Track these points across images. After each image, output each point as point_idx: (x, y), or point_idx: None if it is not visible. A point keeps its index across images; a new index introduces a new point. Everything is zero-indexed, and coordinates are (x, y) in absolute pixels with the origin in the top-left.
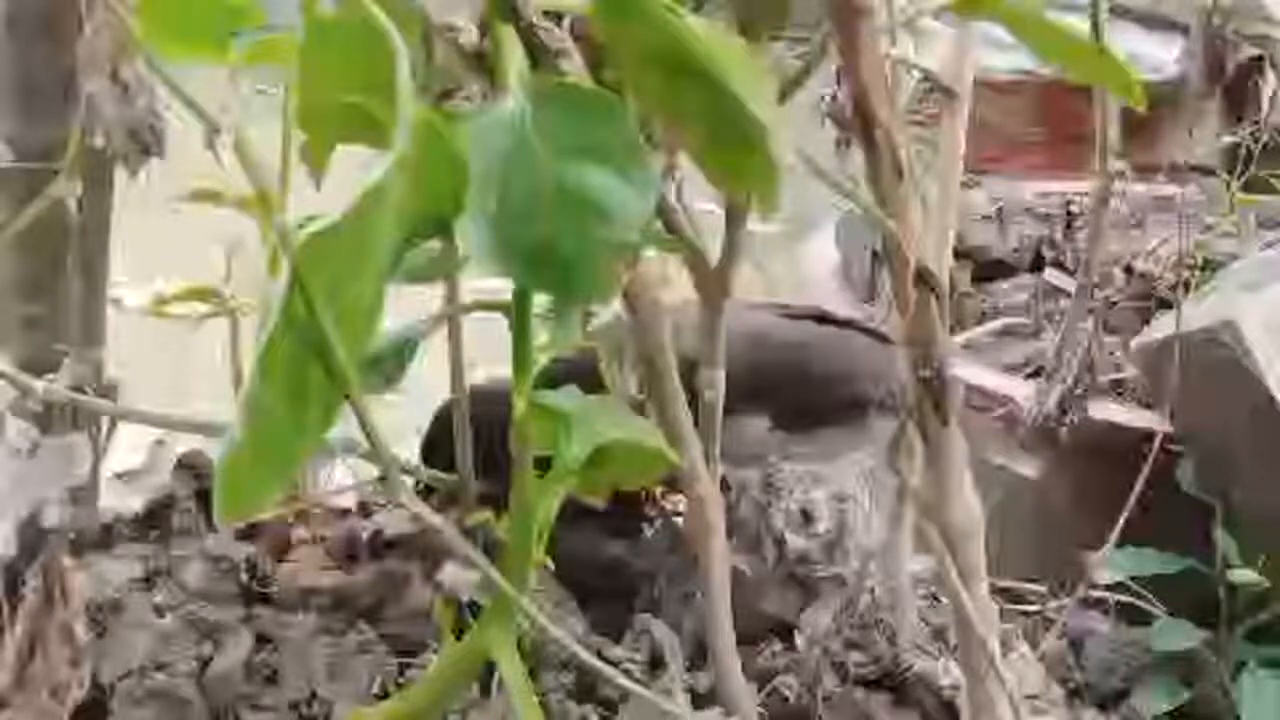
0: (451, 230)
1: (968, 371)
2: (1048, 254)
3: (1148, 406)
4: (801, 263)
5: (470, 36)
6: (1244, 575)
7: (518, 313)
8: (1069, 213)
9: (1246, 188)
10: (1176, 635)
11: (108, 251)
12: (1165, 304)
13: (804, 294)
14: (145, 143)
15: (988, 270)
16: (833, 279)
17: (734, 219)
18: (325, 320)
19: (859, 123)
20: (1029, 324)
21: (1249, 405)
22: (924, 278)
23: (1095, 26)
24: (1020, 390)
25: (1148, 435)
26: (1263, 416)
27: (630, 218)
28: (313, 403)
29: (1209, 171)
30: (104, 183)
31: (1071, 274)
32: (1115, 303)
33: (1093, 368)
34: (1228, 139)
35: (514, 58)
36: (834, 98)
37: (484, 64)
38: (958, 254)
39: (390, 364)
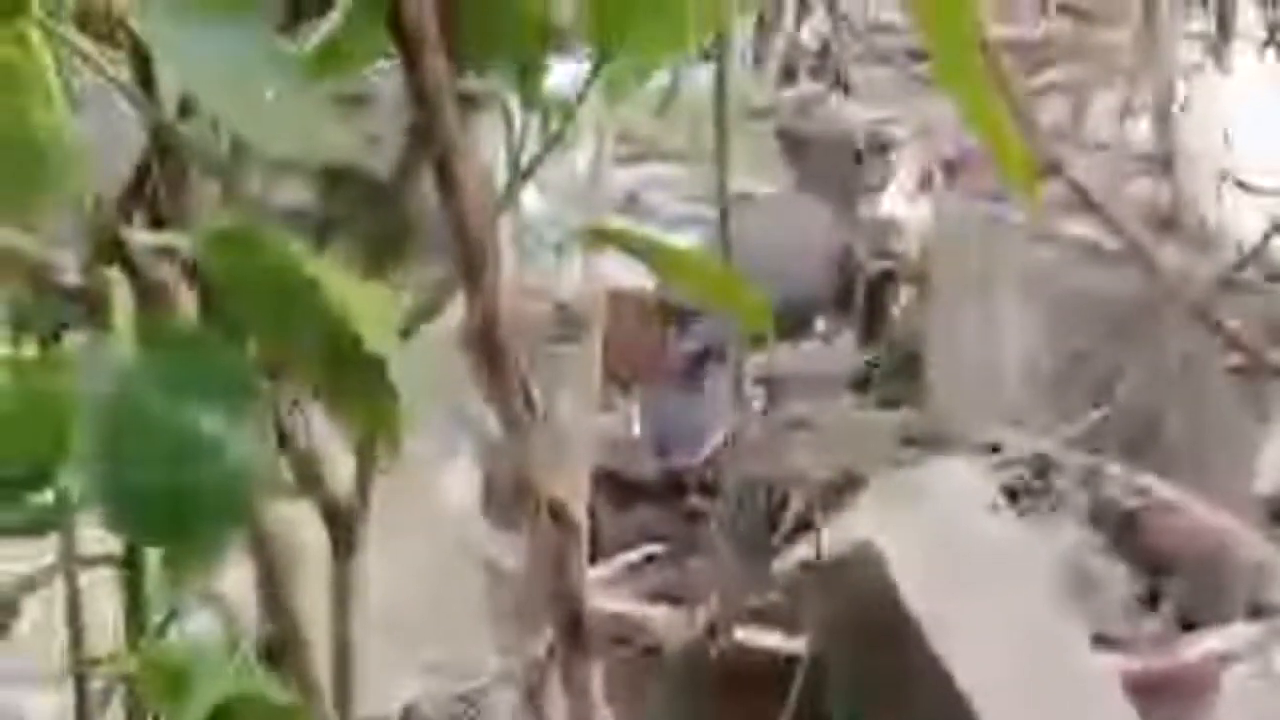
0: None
1: (609, 602)
2: (690, 477)
3: (792, 630)
4: (444, 487)
5: (74, 276)
6: None
7: (130, 567)
8: None
9: (882, 405)
10: None
11: None
12: (807, 525)
13: (447, 520)
14: None
15: (631, 495)
16: (476, 504)
17: (363, 458)
18: None
19: (485, 353)
20: (672, 549)
21: (887, 626)
22: (557, 510)
23: (725, 250)
24: (664, 618)
25: (792, 660)
26: (900, 638)
27: (244, 463)
28: None
29: (849, 388)
30: None
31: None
32: (761, 524)
33: (736, 591)
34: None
35: (120, 298)
36: None
37: (91, 305)
38: (599, 478)
39: None
